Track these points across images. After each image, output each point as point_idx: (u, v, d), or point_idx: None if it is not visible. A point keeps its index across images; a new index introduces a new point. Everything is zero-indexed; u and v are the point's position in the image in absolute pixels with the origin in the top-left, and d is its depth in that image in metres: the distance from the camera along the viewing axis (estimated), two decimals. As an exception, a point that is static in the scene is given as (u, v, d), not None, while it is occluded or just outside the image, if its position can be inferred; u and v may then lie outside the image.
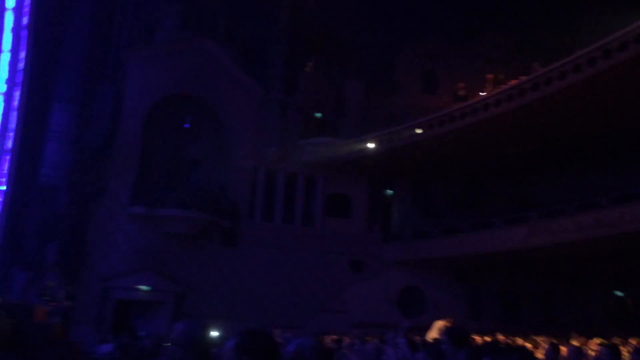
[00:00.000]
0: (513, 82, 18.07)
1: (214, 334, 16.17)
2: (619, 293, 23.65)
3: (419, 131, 21.13)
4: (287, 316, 21.96)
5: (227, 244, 22.37)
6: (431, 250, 22.55)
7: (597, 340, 8.46)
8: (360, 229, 24.49)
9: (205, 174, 23.00)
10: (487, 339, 11.31)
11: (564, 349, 6.88)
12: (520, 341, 9.97)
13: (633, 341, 7.66)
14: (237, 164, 22.92)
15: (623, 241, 17.02)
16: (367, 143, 22.44)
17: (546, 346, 6.88)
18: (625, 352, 7.65)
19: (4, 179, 13.04)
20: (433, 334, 8.00)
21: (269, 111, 23.44)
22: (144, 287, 20.42)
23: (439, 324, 7.96)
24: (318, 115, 24.78)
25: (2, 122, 12.88)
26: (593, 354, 6.65)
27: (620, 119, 18.16)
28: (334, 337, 12.53)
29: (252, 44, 25.07)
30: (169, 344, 3.29)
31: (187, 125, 22.59)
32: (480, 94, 19.23)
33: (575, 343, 8.47)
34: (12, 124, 13.62)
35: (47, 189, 18.95)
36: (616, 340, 9.86)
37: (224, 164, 23.00)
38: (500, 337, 11.49)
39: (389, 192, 25.57)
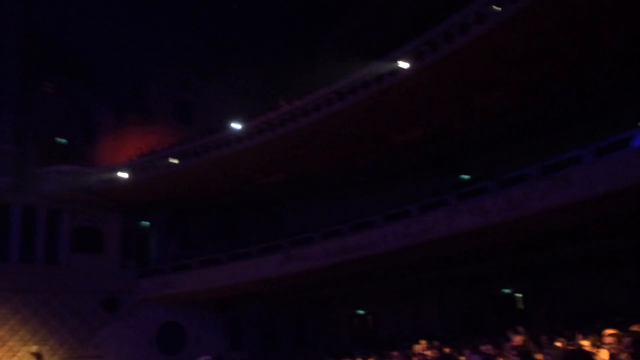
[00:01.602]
0: (263, 117, 18.79)
1: None
2: (360, 312, 25.91)
3: (174, 161, 20.61)
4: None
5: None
6: (190, 283, 21.96)
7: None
8: (113, 265, 22.76)
9: None
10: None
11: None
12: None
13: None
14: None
15: (362, 265, 18.69)
16: (118, 172, 21.09)
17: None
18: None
19: None
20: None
21: (-1, 134, 20.64)
22: None
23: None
24: (62, 140, 22.56)
25: None
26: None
27: (359, 151, 20.11)
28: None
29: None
30: None
31: None
32: (233, 125, 19.61)
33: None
34: None
35: None
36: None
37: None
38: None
39: (145, 223, 24.34)
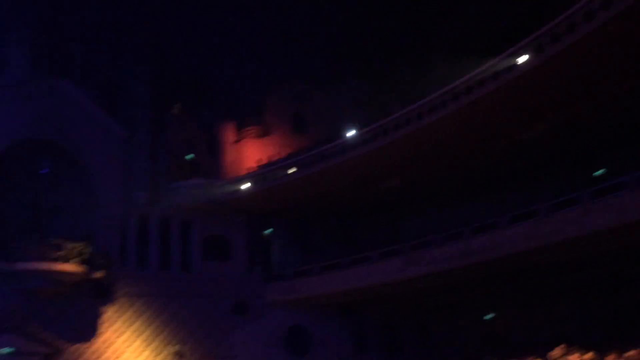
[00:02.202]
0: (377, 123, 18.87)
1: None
2: (488, 317, 24.96)
3: (292, 170, 21.33)
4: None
5: (99, 296, 21.04)
6: (313, 288, 22.60)
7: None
8: (241, 271, 24.03)
9: (69, 222, 21.56)
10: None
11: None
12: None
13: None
14: (105, 210, 21.79)
15: (486, 268, 18.07)
16: (242, 184, 22.28)
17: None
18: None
19: None
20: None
21: (136, 154, 22.59)
22: (5, 350, 18.68)
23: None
24: (189, 156, 24.26)
25: None
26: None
27: (478, 153, 19.48)
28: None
29: (113, 85, 24.16)
30: None
31: (44, 171, 21.18)
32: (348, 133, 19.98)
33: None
34: None
35: None
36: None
37: (90, 210, 21.76)
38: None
39: (268, 231, 25.41)
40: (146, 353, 21.34)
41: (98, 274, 20.72)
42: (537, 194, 18.49)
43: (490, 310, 24.66)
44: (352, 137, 19.72)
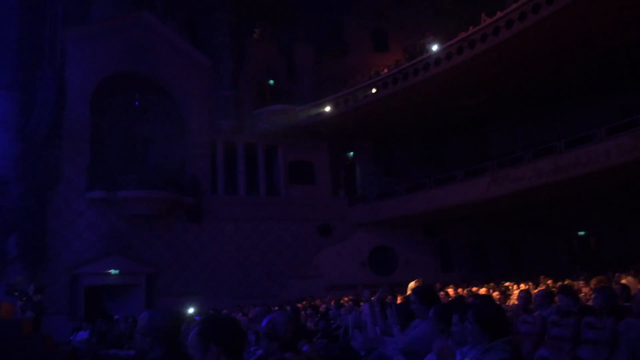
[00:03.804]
0: (463, 34, 18.08)
1: (190, 310, 16.14)
2: (581, 233, 24.49)
3: (373, 91, 21.08)
4: (261, 287, 22.11)
5: (193, 220, 22.13)
6: (397, 209, 22.81)
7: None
8: (325, 194, 24.57)
9: (161, 152, 22.53)
10: (460, 290, 11.59)
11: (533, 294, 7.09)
12: (484, 291, 10.25)
13: (594, 280, 7.98)
14: (193, 139, 22.52)
15: (580, 183, 17.52)
16: (323, 107, 22.32)
17: (516, 292, 7.07)
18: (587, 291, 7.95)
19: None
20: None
21: (220, 82, 22.94)
22: (112, 272, 20.18)
23: (412, 285, 8.07)
24: (271, 82, 24.43)
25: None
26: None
27: (569, 62, 18.47)
28: (309, 302, 12.66)
29: (194, 14, 24.30)
30: (137, 334, 3.21)
31: (137, 103, 21.98)
32: (431, 48, 19.30)
33: (543, 286, 8.74)
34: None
35: (-3, 182, 18.26)
36: (581, 281, 10.22)
37: (180, 140, 22.57)
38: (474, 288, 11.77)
39: (351, 154, 25.63)
40: (238, 273, 22.40)
41: (190, 200, 21.68)
42: (635, 104, 17.51)
43: (581, 227, 24.17)
44: (436, 52, 19.11)
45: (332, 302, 12.29)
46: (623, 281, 9.04)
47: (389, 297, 9.21)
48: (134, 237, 21.03)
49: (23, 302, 10.42)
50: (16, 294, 11.20)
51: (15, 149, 18.80)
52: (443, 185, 21.32)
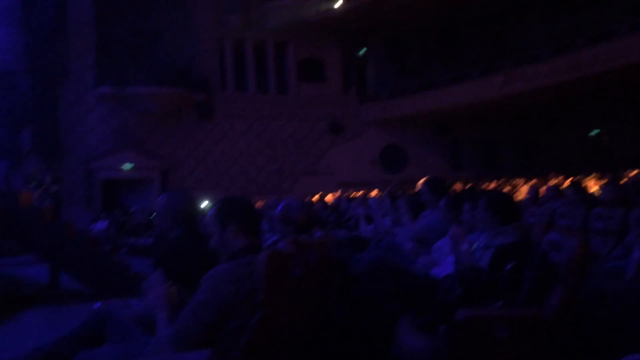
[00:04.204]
0: None
1: (203, 205, 16.60)
2: (594, 132, 24.28)
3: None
4: (272, 183, 22.51)
5: (203, 117, 22.15)
6: (408, 107, 22.57)
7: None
8: (336, 92, 24.28)
9: (169, 47, 22.03)
10: (469, 186, 11.73)
11: (542, 189, 7.16)
12: (493, 186, 10.36)
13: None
14: (201, 34, 21.94)
15: (597, 81, 17.14)
16: (334, 1, 21.45)
17: (526, 188, 7.17)
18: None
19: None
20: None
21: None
22: (126, 166, 20.55)
23: (422, 182, 8.15)
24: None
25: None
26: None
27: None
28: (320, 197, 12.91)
29: None
30: (155, 215, 3.32)
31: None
32: None
33: (553, 182, 8.83)
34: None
35: (5, 74, 18.08)
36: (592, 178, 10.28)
37: (187, 35, 21.95)
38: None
39: (363, 51, 24.97)
40: (250, 170, 22.72)
41: (200, 97, 21.55)
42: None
43: (593, 126, 23.95)
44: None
45: (343, 195, 12.52)
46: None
47: (399, 192, 9.35)
48: (147, 133, 21.19)
49: (41, 192, 10.73)
50: (34, 183, 11.50)
51: (20, 42, 18.44)
52: (457, 83, 20.93)
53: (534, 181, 10.72)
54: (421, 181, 8.52)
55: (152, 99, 20.58)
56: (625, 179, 7.19)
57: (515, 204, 3.55)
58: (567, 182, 8.68)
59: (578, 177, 10.37)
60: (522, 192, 8.20)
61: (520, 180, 12.57)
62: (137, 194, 21.03)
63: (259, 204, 9.78)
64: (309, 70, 23.92)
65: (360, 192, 12.94)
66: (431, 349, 2.27)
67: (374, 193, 11.18)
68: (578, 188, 6.01)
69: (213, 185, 21.07)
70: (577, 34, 17.81)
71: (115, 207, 19.30)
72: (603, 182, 7.35)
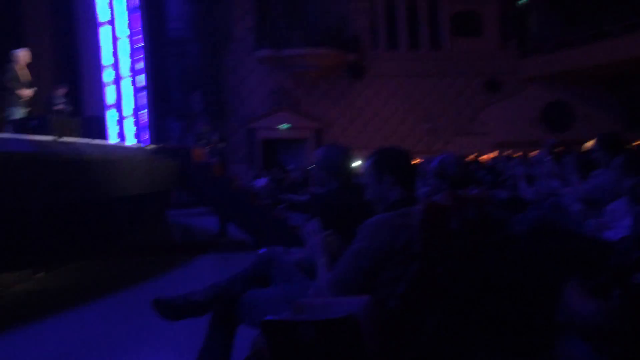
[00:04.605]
0: None
1: (356, 162, 16.93)
2: None
3: None
4: (425, 142, 22.20)
5: (355, 76, 22.36)
6: (575, 60, 20.66)
7: None
8: (493, 47, 22.94)
9: (321, 8, 22.34)
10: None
11: None
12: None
13: None
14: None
15: None
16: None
17: None
18: None
19: (140, 37, 13.74)
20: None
21: None
22: (283, 126, 21.57)
23: (589, 144, 7.45)
24: None
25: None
26: None
27: None
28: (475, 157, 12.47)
29: None
30: (313, 168, 3.44)
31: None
32: None
33: None
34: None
35: (178, 42, 19.73)
36: None
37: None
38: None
39: (523, 0, 23.14)
40: (402, 128, 22.63)
41: (352, 57, 21.70)
42: None
43: None
44: None
45: (501, 155, 11.95)
46: None
47: (563, 150, 8.67)
48: (301, 94, 21.99)
49: (209, 149, 11.69)
50: (203, 141, 12.56)
51: (188, 10, 19.94)
52: (633, 32, 18.64)
53: None
54: (588, 143, 7.82)
55: (306, 59, 21.21)
56: None
57: None
58: None
59: None
60: None
61: None
62: (293, 152, 22.04)
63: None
64: (464, 24, 22.86)
65: (519, 153, 12.24)
66: (604, 314, 2.09)
67: (534, 153, 10.52)
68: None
69: (365, 145, 21.28)
70: None
71: (273, 164, 20.44)
72: None
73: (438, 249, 2.30)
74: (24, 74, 9.23)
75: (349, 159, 3.37)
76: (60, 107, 10.85)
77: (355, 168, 4.56)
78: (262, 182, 15.79)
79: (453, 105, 22.90)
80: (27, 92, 9.02)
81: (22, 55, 9.04)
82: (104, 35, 12.95)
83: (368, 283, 2.25)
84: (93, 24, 12.84)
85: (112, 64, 13.13)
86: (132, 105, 13.41)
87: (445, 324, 2.31)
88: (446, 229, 2.38)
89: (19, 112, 8.80)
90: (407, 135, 22.38)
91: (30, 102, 9.29)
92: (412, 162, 2.62)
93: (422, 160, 8.19)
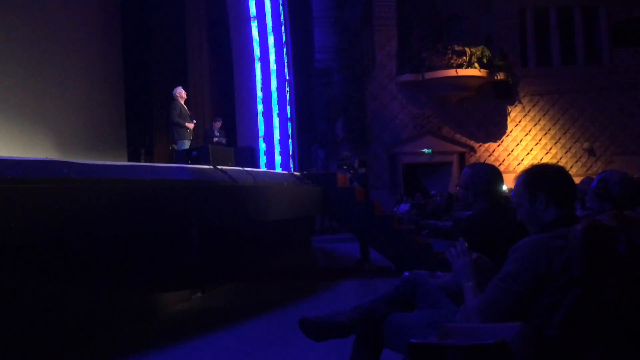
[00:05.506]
0: None
1: (504, 186, 16.18)
2: None
3: None
4: (581, 164, 20.71)
5: (501, 96, 21.48)
6: None
7: None
8: (660, 56, 20.74)
9: (466, 27, 21.86)
10: None
11: None
12: None
13: None
14: (500, 9, 21.17)
15: None
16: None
17: None
18: None
19: (288, 70, 14.45)
20: None
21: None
22: (425, 151, 21.29)
23: None
24: None
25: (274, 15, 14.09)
26: None
27: None
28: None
29: None
30: (459, 188, 3.30)
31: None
32: None
33: None
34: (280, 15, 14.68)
35: (322, 72, 20.46)
36: None
37: (486, 13, 21.46)
38: None
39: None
40: (554, 150, 21.26)
41: (499, 76, 20.87)
42: None
43: None
44: None
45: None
46: None
47: None
48: (444, 117, 21.54)
49: (351, 174, 11.87)
50: (345, 167, 12.80)
51: (333, 41, 20.63)
52: None
53: None
54: None
55: (450, 82, 20.80)
56: None
57: None
58: None
59: None
60: None
61: None
62: (436, 177, 21.60)
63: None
64: (628, 33, 20.94)
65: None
66: None
67: None
68: None
69: (513, 169, 20.33)
70: None
71: (415, 190, 20.19)
72: None
73: (603, 274, 2.07)
74: (184, 109, 10.37)
75: (497, 178, 3.19)
76: (218, 139, 11.81)
77: (505, 191, 4.32)
78: (404, 207, 15.68)
79: (614, 121, 21.02)
80: (190, 126, 10.15)
81: (181, 92, 10.28)
82: (256, 69, 13.82)
83: (520, 309, 2.09)
84: (247, 60, 13.76)
85: (262, 98, 13.93)
86: (278, 136, 14.08)
87: (609, 357, 2.07)
88: (612, 252, 2.15)
89: (185, 144, 9.94)
90: (562, 157, 20.94)
91: (192, 135, 10.36)
92: (570, 179, 2.41)
93: (579, 182, 7.54)
